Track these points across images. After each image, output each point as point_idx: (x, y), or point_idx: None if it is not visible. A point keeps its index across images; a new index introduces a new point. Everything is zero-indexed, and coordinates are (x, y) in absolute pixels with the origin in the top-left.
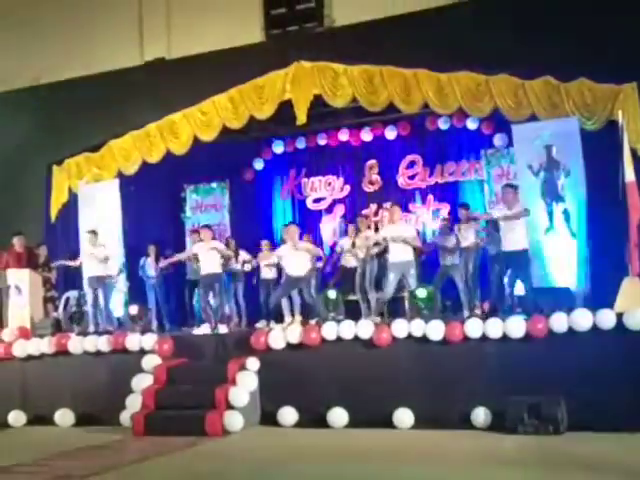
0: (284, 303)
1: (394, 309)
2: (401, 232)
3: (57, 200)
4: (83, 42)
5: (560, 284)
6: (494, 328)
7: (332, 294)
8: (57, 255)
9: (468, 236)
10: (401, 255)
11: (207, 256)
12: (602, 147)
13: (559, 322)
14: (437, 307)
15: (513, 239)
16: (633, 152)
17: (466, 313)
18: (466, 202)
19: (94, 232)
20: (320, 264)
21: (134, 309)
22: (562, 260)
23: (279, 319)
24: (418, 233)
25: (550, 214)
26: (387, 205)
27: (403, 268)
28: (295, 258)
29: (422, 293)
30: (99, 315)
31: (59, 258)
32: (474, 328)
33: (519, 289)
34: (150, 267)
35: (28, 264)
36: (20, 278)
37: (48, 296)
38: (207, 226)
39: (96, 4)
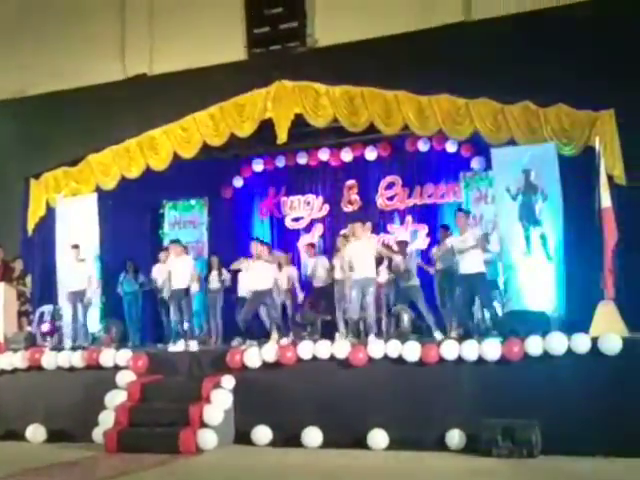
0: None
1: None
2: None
3: (34, 214)
4: (66, 56)
5: (536, 307)
6: (470, 350)
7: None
8: (33, 269)
9: (444, 258)
10: (362, 272)
11: (179, 271)
12: (579, 172)
13: (534, 345)
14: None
15: (468, 262)
16: (610, 178)
17: (439, 335)
18: (446, 224)
19: (77, 246)
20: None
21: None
22: (538, 284)
23: (257, 336)
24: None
25: (527, 238)
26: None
27: (363, 285)
28: (257, 272)
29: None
30: (77, 330)
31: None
32: (450, 350)
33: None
34: (129, 283)
35: (3, 277)
36: None
37: (22, 310)
38: (177, 241)
39: (79, 19)
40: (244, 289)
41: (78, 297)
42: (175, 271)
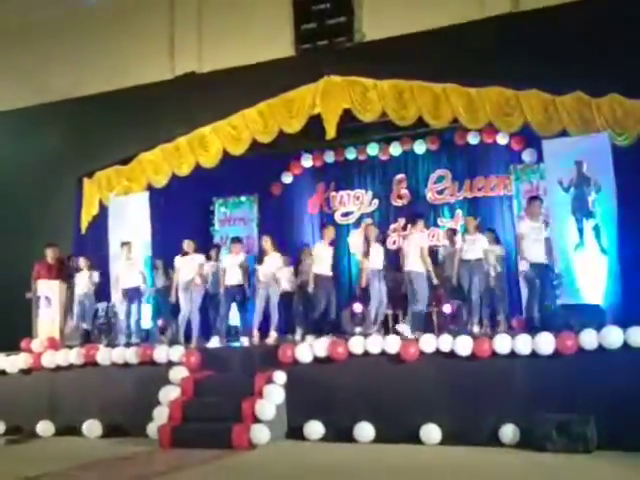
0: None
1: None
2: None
3: (88, 212)
4: (115, 56)
5: (590, 301)
6: (523, 344)
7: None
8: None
9: (474, 249)
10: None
11: (234, 269)
12: (633, 163)
13: (589, 339)
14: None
15: (539, 252)
16: None
17: (476, 328)
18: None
19: (127, 243)
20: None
21: (161, 322)
22: (592, 276)
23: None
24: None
25: (580, 230)
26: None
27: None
28: (231, 269)
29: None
30: (132, 327)
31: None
32: (503, 344)
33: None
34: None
35: (59, 275)
36: (50, 289)
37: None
38: (238, 239)
39: (128, 18)
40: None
41: (132, 294)
42: (231, 268)
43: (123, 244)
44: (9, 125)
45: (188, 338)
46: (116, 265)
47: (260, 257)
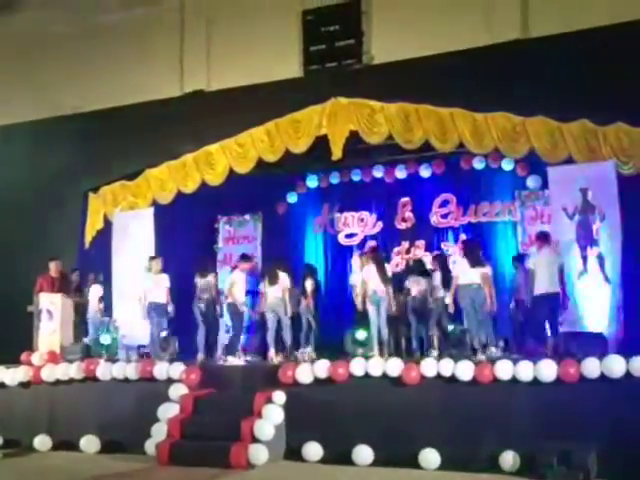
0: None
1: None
2: None
3: (92, 227)
4: (124, 73)
5: (593, 329)
6: (525, 371)
7: (361, 334)
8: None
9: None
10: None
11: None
12: (638, 192)
13: (591, 367)
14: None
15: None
16: None
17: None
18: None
19: (156, 258)
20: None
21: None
22: (595, 305)
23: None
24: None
25: (584, 258)
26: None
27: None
28: (153, 287)
29: (361, 335)
30: (155, 342)
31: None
32: (504, 370)
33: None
34: None
35: (61, 289)
36: (52, 302)
37: (79, 321)
38: (247, 257)
39: (138, 36)
40: None
41: (157, 309)
42: (238, 285)
43: (151, 258)
44: (17, 138)
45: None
46: (121, 278)
47: (271, 279)
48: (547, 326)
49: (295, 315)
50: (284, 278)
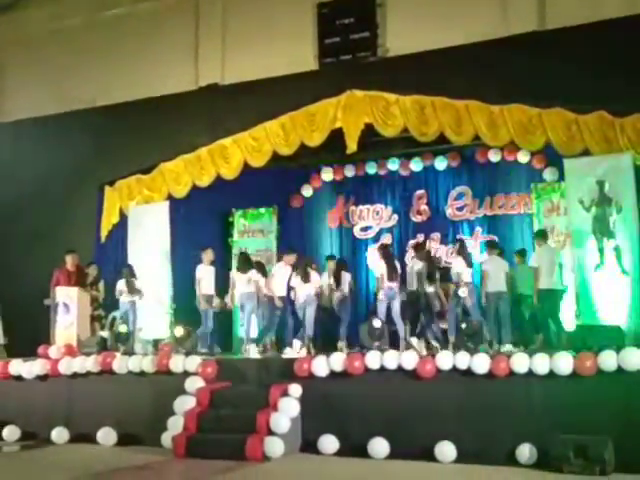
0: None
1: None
2: None
3: (108, 220)
4: (139, 66)
5: (610, 322)
6: (541, 364)
7: (377, 323)
8: (106, 274)
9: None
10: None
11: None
12: None
13: (608, 360)
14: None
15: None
16: None
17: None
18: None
19: (207, 249)
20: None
21: (179, 331)
22: (612, 297)
23: None
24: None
25: (601, 250)
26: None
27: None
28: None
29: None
30: (206, 335)
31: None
32: (520, 363)
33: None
34: None
35: (77, 282)
36: (69, 296)
37: (95, 315)
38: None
39: (153, 29)
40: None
41: (210, 301)
42: (277, 278)
43: (203, 249)
44: (33, 132)
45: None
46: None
47: (304, 276)
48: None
49: (330, 309)
50: (315, 276)
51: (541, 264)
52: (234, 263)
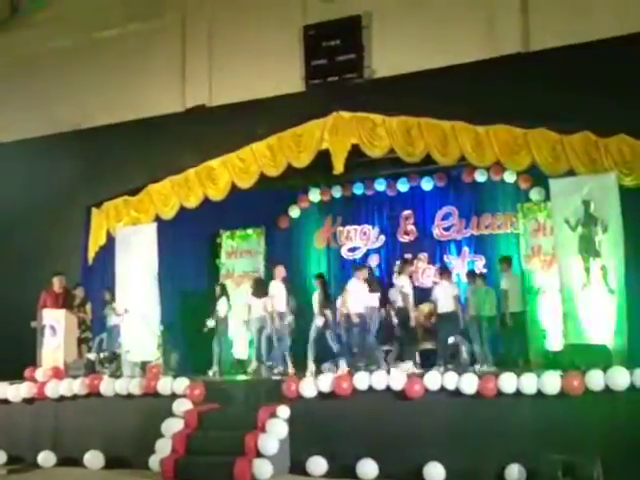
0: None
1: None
2: None
3: (95, 242)
4: (126, 88)
5: (597, 341)
6: (529, 383)
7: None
8: (93, 296)
9: None
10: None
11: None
12: None
13: (595, 379)
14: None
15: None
16: None
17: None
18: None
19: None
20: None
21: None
22: (599, 316)
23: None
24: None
25: (587, 270)
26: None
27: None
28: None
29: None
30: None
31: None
32: (508, 383)
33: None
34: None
35: (64, 305)
36: (55, 318)
37: (82, 337)
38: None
39: (140, 51)
40: None
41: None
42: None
43: (275, 266)
44: (20, 154)
45: None
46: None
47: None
48: None
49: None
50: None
51: (509, 288)
52: (219, 285)
